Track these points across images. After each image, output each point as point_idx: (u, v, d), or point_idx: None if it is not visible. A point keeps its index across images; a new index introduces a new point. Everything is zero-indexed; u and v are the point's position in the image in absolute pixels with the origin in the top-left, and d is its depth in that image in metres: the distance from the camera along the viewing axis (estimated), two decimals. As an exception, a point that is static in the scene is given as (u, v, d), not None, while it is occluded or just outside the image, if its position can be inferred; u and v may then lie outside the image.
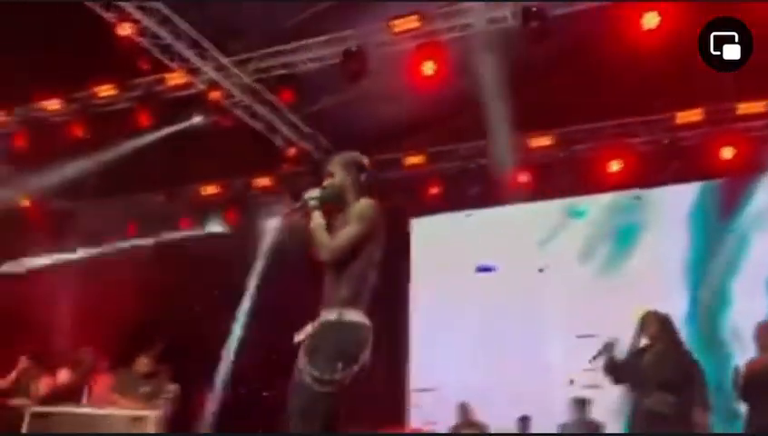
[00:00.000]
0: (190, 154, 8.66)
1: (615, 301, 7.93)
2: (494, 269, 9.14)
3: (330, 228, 2.91)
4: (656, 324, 4.71)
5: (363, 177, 3.06)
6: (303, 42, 7.36)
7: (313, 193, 2.99)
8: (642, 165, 8.16)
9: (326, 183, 3.04)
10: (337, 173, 3.04)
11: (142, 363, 6.32)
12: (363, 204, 2.92)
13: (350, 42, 7.04)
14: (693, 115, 7.71)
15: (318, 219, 2.91)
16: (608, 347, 4.80)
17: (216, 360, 9.79)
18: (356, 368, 2.68)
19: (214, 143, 8.31)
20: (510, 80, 6.96)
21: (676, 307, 7.44)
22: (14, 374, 6.87)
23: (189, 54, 7.30)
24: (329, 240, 2.85)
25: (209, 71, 7.55)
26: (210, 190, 10.10)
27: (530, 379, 8.02)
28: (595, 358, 4.81)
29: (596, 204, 8.78)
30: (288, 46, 7.44)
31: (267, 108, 8.35)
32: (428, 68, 6.63)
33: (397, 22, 6.80)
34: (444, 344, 8.91)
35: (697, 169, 7.98)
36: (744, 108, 7.54)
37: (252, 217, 9.53)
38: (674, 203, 8.32)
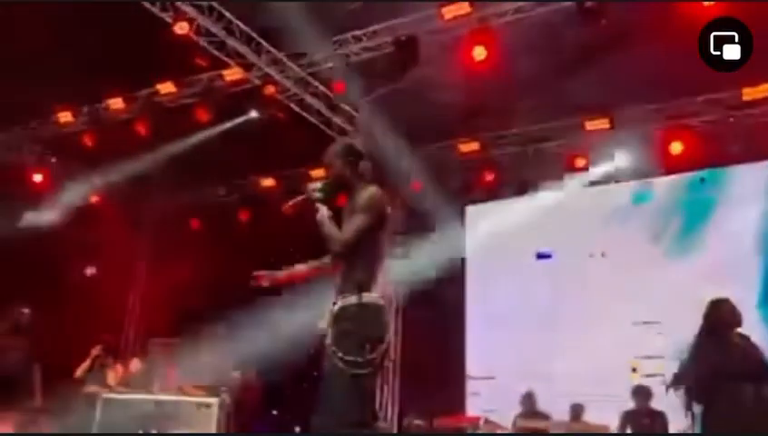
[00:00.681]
0: (248, 148, 8.86)
1: (681, 286, 7.69)
2: (552, 256, 9.00)
3: (338, 217, 2.97)
4: (724, 311, 4.54)
5: (362, 164, 3.09)
6: (355, 32, 7.40)
7: (316, 184, 3.05)
8: (706, 145, 7.85)
9: (326, 174, 3.10)
10: (335, 163, 3.08)
11: (207, 352, 6.55)
12: (368, 193, 2.97)
13: (401, 30, 7.04)
14: (760, 92, 7.34)
15: (324, 211, 2.97)
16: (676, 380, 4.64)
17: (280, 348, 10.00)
18: (383, 347, 2.78)
19: (271, 137, 8.47)
20: (567, 61, 6.82)
21: (747, 292, 7.17)
22: (87, 363, 7.23)
23: (244, 49, 7.46)
24: (338, 232, 2.91)
25: (263, 66, 7.69)
26: (267, 182, 10.31)
27: (592, 366, 7.87)
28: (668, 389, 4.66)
29: (660, 188, 8.51)
30: (340, 37, 7.50)
31: (321, 100, 8.45)
32: (479, 54, 6.56)
33: (448, 8, 6.74)
34: (502, 332, 8.85)
35: (765, 148, 7.63)
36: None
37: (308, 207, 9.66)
38: (746, 182, 7.98)
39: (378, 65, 7.41)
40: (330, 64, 7.67)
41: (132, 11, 6.63)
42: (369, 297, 2.86)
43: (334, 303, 2.90)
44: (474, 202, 9.61)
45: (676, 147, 7.97)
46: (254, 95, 8.03)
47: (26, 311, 5.80)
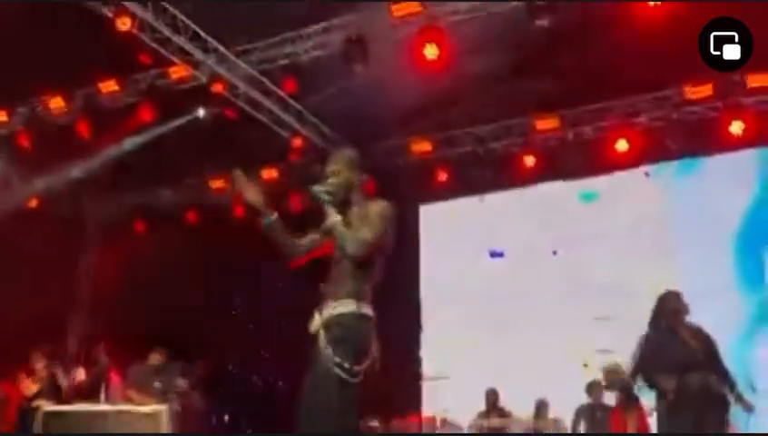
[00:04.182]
0: (196, 148, 8.64)
1: (629, 281, 7.87)
2: (504, 254, 9.08)
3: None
4: (672, 304, 4.64)
5: (364, 178, 3.07)
6: (304, 30, 7.29)
7: (321, 187, 2.96)
8: (651, 142, 8.06)
9: (332, 179, 3.00)
10: (342, 171, 3.01)
11: (155, 358, 6.34)
12: (384, 206, 2.94)
13: (352, 28, 6.96)
14: (702, 91, 7.57)
15: (336, 215, 2.89)
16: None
17: (229, 353, 9.82)
18: (371, 359, 2.76)
19: (220, 136, 8.28)
20: (516, 61, 6.87)
21: (697, 283, 7.32)
22: (34, 384, 6.84)
23: (189, 46, 7.25)
24: (354, 234, 2.85)
25: (211, 63, 7.49)
26: (217, 183, 10.07)
27: (545, 363, 7.97)
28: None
29: (605, 185, 8.67)
30: (289, 35, 7.38)
31: (271, 99, 8.29)
32: (431, 52, 6.54)
33: (398, 6, 6.70)
34: (456, 332, 8.87)
35: (707, 144, 7.87)
36: (754, 81, 7.38)
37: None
38: (692, 176, 8.21)
39: (328, 63, 7.31)
40: (281, 62, 7.53)
41: (72, 5, 6.35)
42: (367, 309, 2.83)
43: (324, 308, 2.82)
44: (428, 201, 9.60)
45: (622, 144, 8.14)
46: (202, 93, 7.83)
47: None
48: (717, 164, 8.05)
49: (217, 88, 7.64)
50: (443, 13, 6.71)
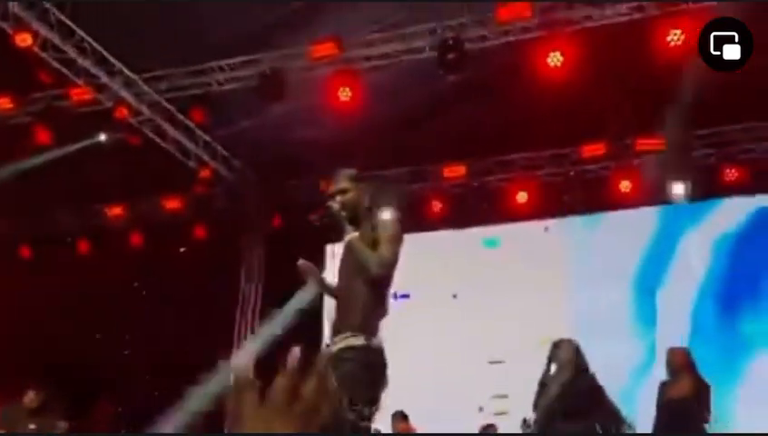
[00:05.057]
0: (94, 173, 8.24)
1: (523, 326, 8.12)
2: (409, 296, 9.15)
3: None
4: (565, 352, 4.80)
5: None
6: (218, 62, 7.21)
7: (335, 204, 2.89)
8: (548, 196, 8.48)
9: (340, 198, 2.93)
10: (351, 189, 2.96)
11: (31, 398, 5.86)
12: (395, 224, 2.87)
13: (267, 64, 6.96)
14: (596, 149, 8.07)
15: (355, 234, 2.79)
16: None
17: (115, 390, 9.26)
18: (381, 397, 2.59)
19: (121, 162, 7.96)
20: (425, 110, 7.08)
21: (583, 329, 7.67)
22: None
23: (95, 69, 6.98)
24: (374, 253, 2.71)
25: (116, 87, 7.24)
26: (115, 211, 9.62)
27: (442, 406, 8.02)
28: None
29: (508, 234, 8.97)
30: (202, 66, 7.27)
31: (178, 128, 8.09)
32: (344, 94, 6.63)
33: (315, 48, 6.78)
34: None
35: (601, 201, 8.36)
36: (642, 144, 7.96)
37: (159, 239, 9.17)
38: (586, 231, 8.65)
39: (241, 97, 7.25)
40: (191, 92, 7.38)
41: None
42: (378, 341, 2.65)
43: (332, 341, 2.66)
44: (334, 241, 9.56)
45: (522, 196, 8.52)
46: (104, 117, 7.53)
47: None
48: (613, 219, 8.55)
49: (121, 113, 7.37)
50: (358, 57, 6.85)
